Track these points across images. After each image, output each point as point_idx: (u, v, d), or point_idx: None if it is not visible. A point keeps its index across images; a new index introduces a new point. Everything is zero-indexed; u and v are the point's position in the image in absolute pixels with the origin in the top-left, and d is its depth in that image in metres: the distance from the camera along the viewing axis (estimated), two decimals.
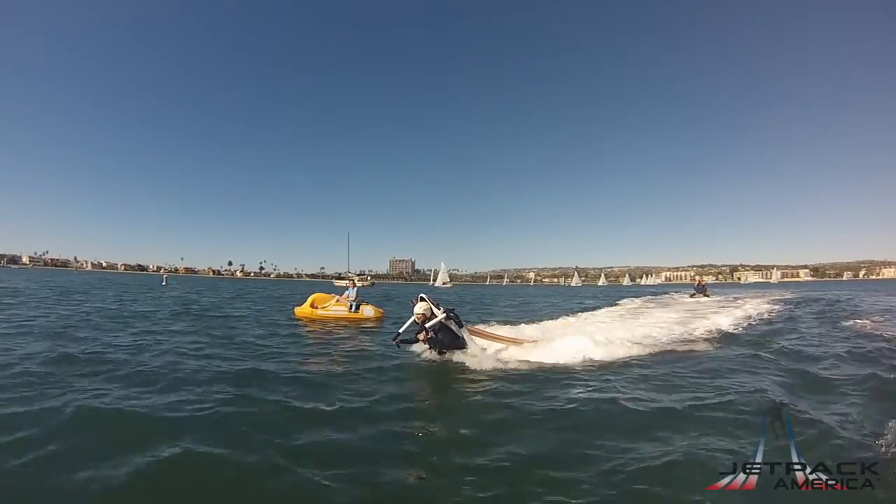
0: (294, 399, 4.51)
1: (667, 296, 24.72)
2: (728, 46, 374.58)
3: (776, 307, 15.56)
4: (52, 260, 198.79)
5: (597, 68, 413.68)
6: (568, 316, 13.44)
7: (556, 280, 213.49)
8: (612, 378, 5.48)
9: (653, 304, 18.12)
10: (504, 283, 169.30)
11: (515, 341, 7.49)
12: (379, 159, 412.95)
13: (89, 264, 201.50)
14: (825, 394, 4.64)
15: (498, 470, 3.03)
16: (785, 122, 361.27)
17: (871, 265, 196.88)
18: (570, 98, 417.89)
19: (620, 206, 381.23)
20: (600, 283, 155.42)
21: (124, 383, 4.94)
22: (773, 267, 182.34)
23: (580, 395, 4.77)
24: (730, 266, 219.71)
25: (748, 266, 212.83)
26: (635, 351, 6.99)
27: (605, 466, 3.06)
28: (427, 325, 6.34)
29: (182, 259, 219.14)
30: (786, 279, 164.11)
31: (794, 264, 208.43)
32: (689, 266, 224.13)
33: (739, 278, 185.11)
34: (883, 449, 3.12)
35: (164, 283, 44.28)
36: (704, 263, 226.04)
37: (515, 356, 6.65)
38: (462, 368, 6.10)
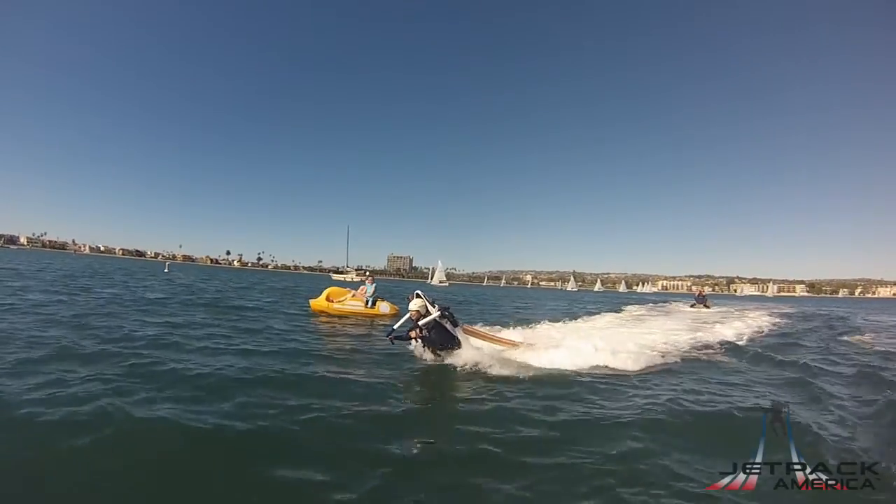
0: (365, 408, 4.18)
1: (668, 305, 24.90)
2: (735, 55, 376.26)
3: (780, 321, 15.79)
4: (50, 242, 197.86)
5: (598, 71, 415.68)
6: (570, 320, 13.38)
7: (553, 283, 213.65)
8: (611, 384, 5.38)
9: (656, 313, 18.29)
10: (502, 285, 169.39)
11: (513, 343, 7.27)
12: (378, 155, 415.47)
13: (87, 248, 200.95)
14: (838, 407, 4.61)
15: (490, 471, 2.99)
16: (788, 135, 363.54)
17: (868, 283, 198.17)
18: (570, 100, 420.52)
19: (620, 213, 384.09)
20: (596, 289, 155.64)
21: (193, 395, 4.24)
22: (769, 281, 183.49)
23: (575, 399, 4.69)
24: (726, 278, 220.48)
25: (745, 279, 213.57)
26: (640, 359, 6.67)
27: (604, 467, 3.06)
28: (420, 323, 6.19)
29: (180, 247, 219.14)
30: (782, 293, 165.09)
31: (791, 279, 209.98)
32: (685, 276, 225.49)
33: (736, 290, 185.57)
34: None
35: (166, 271, 44.44)
36: (701, 274, 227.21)
37: (512, 358, 6.48)
38: (453, 370, 5.93)
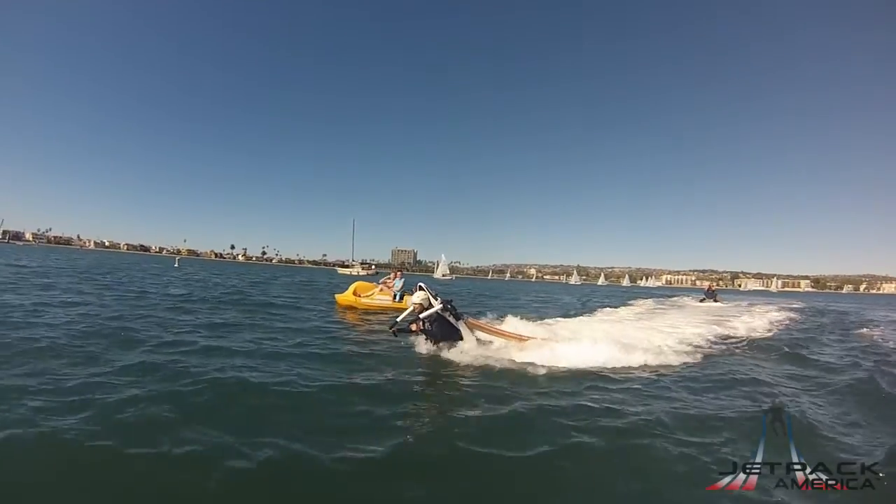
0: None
1: (678, 299, 24.83)
2: (736, 53, 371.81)
3: (796, 316, 15.82)
4: (55, 237, 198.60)
5: (600, 68, 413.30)
6: (580, 315, 13.26)
7: (557, 278, 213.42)
8: (620, 381, 5.26)
9: (667, 307, 18.13)
10: (506, 279, 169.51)
11: (519, 338, 7.06)
12: (381, 149, 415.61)
13: (92, 243, 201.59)
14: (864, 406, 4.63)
15: (491, 472, 2.99)
16: (791, 132, 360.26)
17: (872, 280, 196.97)
18: (573, 96, 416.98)
19: (623, 207, 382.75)
20: (600, 283, 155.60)
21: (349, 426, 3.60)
22: (773, 276, 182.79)
23: (577, 396, 4.57)
24: (731, 272, 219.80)
25: (749, 274, 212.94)
26: (649, 356, 6.46)
27: (604, 467, 3.06)
28: (421, 316, 6.10)
29: (185, 241, 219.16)
30: (786, 289, 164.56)
31: (795, 274, 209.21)
32: (689, 270, 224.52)
33: (740, 285, 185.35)
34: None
35: (176, 266, 44.77)
36: (705, 268, 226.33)
37: (516, 354, 6.25)
38: (455, 364, 5.81)
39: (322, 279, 38.75)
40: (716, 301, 22.11)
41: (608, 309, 16.17)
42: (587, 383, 5.09)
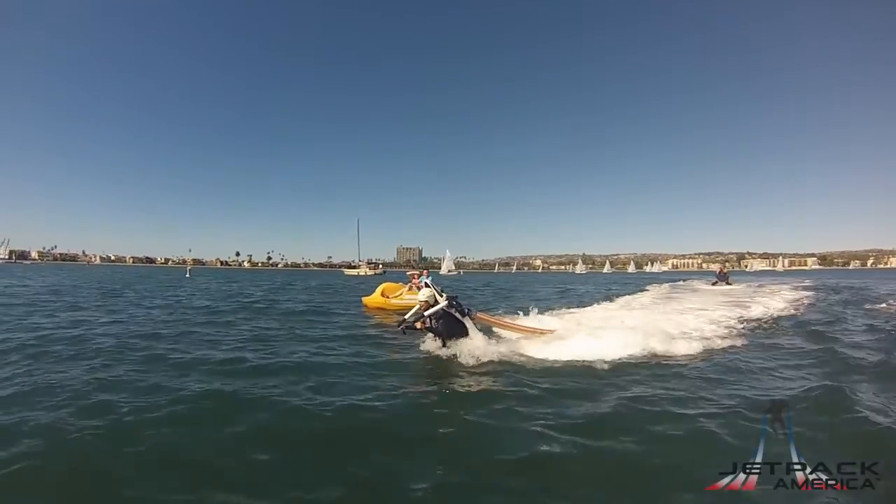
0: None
1: (690, 283, 24.74)
2: (737, 33, 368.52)
3: (811, 293, 15.85)
4: (60, 254, 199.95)
5: (599, 55, 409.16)
6: (595, 304, 13.16)
7: (562, 267, 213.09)
8: (633, 376, 5.11)
9: (681, 292, 17.98)
10: (513, 271, 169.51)
11: (530, 331, 6.92)
12: (381, 147, 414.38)
13: (98, 258, 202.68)
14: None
15: (498, 470, 3.01)
16: (792, 110, 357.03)
17: (879, 254, 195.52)
18: (572, 85, 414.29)
19: (625, 193, 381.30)
20: (605, 271, 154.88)
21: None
22: (780, 255, 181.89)
23: (597, 393, 4.48)
24: (736, 254, 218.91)
25: (755, 254, 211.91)
26: (669, 346, 6.22)
27: (605, 466, 3.08)
28: (426, 314, 6.07)
29: (190, 251, 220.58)
30: (793, 267, 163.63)
31: (802, 252, 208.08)
32: (695, 254, 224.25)
33: (746, 266, 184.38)
34: None
35: (188, 276, 45.33)
36: (711, 251, 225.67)
37: (527, 349, 6.15)
38: (459, 362, 5.69)
39: (336, 282, 38.86)
40: (728, 284, 22.13)
41: (626, 297, 16.14)
42: (591, 377, 5.05)
